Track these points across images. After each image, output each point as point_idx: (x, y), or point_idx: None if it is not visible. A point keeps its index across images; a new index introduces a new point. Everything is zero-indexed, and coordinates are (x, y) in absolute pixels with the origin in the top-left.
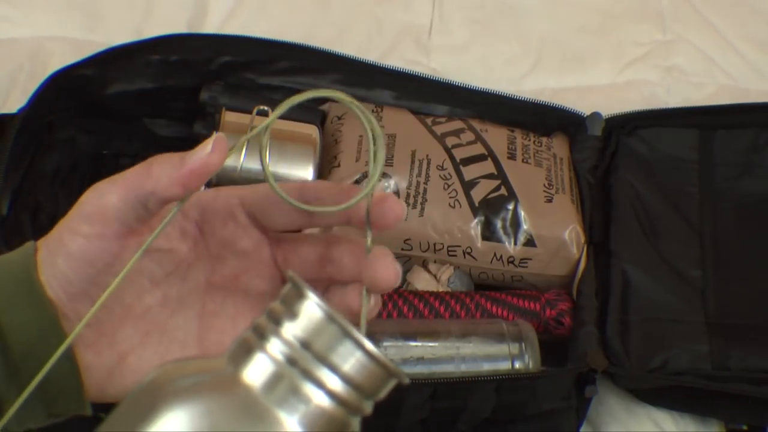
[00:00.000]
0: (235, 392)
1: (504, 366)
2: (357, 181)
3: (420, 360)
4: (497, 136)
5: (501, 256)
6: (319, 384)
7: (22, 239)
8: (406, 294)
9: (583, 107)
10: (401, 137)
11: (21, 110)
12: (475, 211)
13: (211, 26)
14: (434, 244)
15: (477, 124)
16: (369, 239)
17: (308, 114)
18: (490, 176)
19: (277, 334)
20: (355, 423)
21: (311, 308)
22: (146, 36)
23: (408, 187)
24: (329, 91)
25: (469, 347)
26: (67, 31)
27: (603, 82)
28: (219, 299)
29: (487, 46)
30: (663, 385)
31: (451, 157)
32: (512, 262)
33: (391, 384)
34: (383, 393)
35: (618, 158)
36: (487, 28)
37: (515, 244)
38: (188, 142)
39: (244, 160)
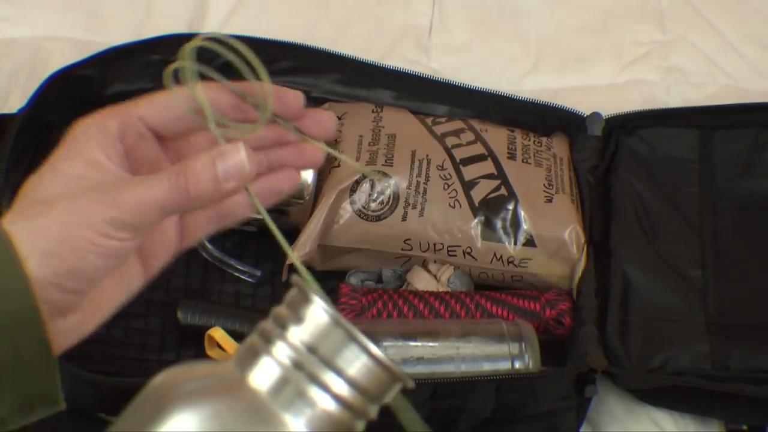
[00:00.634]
0: (242, 396)
1: (504, 366)
2: (357, 182)
3: (420, 360)
4: (497, 136)
5: (501, 256)
6: (325, 388)
7: None
8: (406, 294)
9: (583, 107)
10: (401, 137)
11: (21, 110)
12: (475, 211)
13: (211, 26)
14: (434, 244)
15: (477, 124)
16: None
17: None
18: (490, 176)
19: (283, 338)
20: (361, 426)
21: (317, 313)
22: (146, 36)
23: (408, 187)
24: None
25: (469, 347)
26: (67, 31)
27: (603, 82)
28: None
29: (487, 46)
30: (663, 385)
31: (451, 157)
32: (512, 262)
33: (396, 388)
34: (388, 397)
35: (618, 158)
36: (487, 28)
37: (515, 244)
38: None
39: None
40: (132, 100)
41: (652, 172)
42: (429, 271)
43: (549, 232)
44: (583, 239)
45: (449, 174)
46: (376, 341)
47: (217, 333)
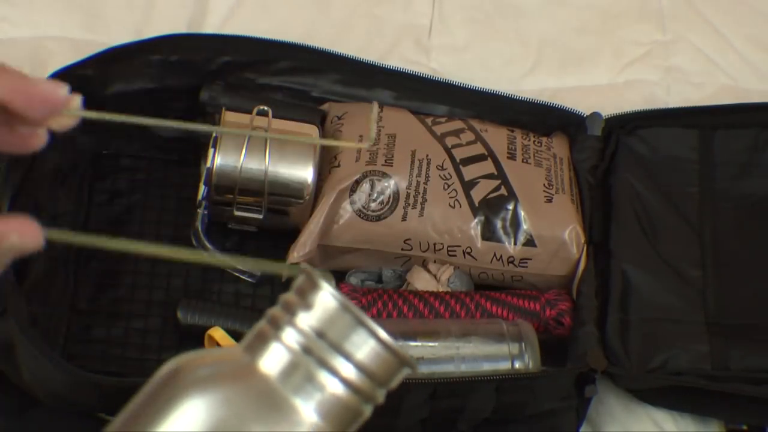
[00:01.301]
0: (253, 381)
1: (504, 366)
2: (357, 182)
3: (420, 360)
4: (497, 136)
5: (501, 256)
6: (334, 372)
7: None
8: (406, 294)
9: (583, 107)
10: (401, 137)
11: None
12: (475, 211)
13: (211, 26)
14: (434, 244)
15: (477, 124)
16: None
17: (308, 114)
18: (490, 176)
19: (292, 324)
20: (368, 411)
21: (325, 298)
22: (146, 36)
23: (408, 187)
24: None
25: (469, 347)
26: (67, 31)
27: (603, 82)
28: None
29: (487, 46)
30: (663, 385)
31: (451, 157)
32: (512, 262)
33: (404, 372)
34: (395, 381)
35: (618, 158)
36: (487, 28)
37: (515, 244)
38: (188, 142)
39: (244, 160)
40: None
41: (652, 172)
42: (429, 271)
43: (549, 232)
44: (583, 239)
45: (449, 174)
46: None
47: (217, 333)
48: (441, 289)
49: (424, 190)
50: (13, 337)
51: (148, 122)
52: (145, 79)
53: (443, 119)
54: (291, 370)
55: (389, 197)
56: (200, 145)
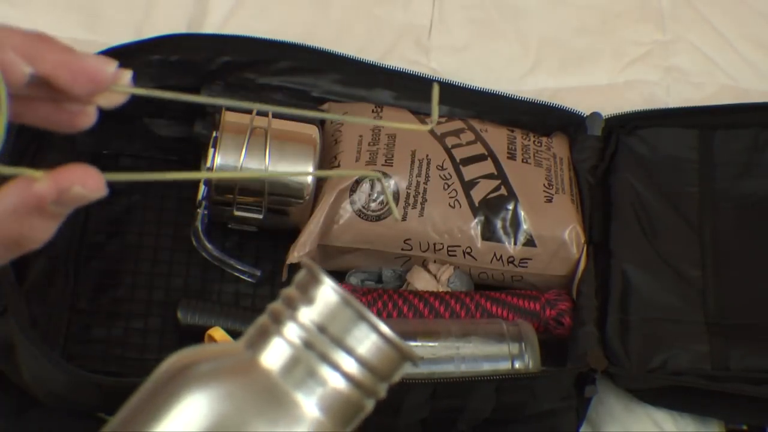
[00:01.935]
0: (254, 376)
1: (504, 366)
2: (357, 182)
3: (420, 360)
4: (497, 136)
5: (501, 256)
6: (336, 366)
7: None
8: (406, 294)
9: (583, 107)
10: (401, 137)
11: None
12: (475, 211)
13: (211, 26)
14: (434, 244)
15: (477, 124)
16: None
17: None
18: (490, 176)
19: (294, 318)
20: (370, 405)
21: (327, 293)
22: (146, 36)
23: (408, 187)
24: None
25: (469, 347)
26: (67, 31)
27: (603, 82)
28: None
29: (487, 46)
30: (663, 385)
31: (451, 157)
32: (512, 262)
33: (405, 366)
34: (397, 375)
35: (618, 158)
36: (487, 28)
37: (515, 244)
38: (188, 142)
39: (244, 160)
40: None
41: (652, 172)
42: (429, 271)
43: (549, 232)
44: (583, 239)
45: (449, 174)
46: None
47: (217, 333)
48: (441, 289)
49: (424, 190)
50: (13, 337)
51: (187, 98)
52: (145, 79)
53: (443, 119)
54: (292, 364)
55: (393, 194)
56: (200, 145)
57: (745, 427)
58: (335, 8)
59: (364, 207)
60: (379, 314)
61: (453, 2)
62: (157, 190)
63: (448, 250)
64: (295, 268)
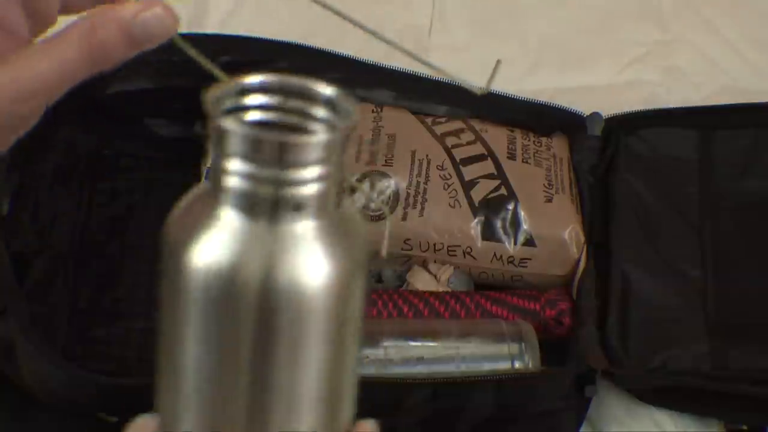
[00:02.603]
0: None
1: (504, 366)
2: (358, 180)
3: (420, 360)
4: (497, 136)
5: (501, 256)
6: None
7: (23, 239)
8: (406, 294)
9: (583, 107)
10: (401, 137)
11: None
12: (475, 211)
13: (211, 26)
14: (434, 244)
15: (477, 124)
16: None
17: None
18: (490, 176)
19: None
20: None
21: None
22: None
23: (408, 187)
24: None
25: (469, 347)
26: None
27: (603, 82)
28: None
29: (487, 46)
30: (663, 385)
31: (451, 157)
32: (512, 262)
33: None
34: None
35: (618, 158)
36: (487, 28)
37: (515, 244)
38: (188, 142)
39: None
40: None
41: (652, 172)
42: (429, 271)
43: (549, 232)
44: (583, 239)
45: (449, 174)
46: (377, 341)
47: None
48: (441, 289)
49: (424, 190)
50: (13, 337)
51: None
52: (145, 79)
53: (443, 119)
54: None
55: (389, 197)
56: (200, 145)
57: (745, 427)
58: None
59: (363, 207)
60: (379, 314)
61: (453, 2)
62: (158, 190)
63: (448, 250)
64: None
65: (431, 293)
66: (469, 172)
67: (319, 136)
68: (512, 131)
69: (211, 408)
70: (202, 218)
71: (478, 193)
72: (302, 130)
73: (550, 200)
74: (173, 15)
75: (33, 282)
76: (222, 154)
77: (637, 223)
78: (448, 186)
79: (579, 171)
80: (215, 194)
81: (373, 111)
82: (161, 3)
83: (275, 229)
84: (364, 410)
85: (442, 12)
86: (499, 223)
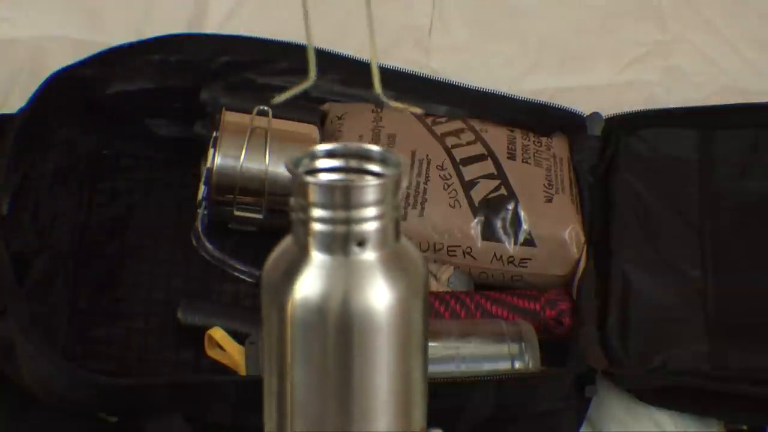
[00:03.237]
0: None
1: (504, 366)
2: None
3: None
4: (497, 136)
5: (501, 256)
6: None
7: (23, 239)
8: None
9: (583, 107)
10: (401, 137)
11: (21, 110)
12: (475, 211)
13: (211, 26)
14: (434, 244)
15: (477, 124)
16: None
17: (308, 114)
18: (490, 176)
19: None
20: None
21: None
22: (146, 36)
23: (408, 187)
24: None
25: (469, 347)
26: (67, 31)
27: (603, 82)
28: None
29: (487, 46)
30: (663, 385)
31: (451, 157)
32: (512, 262)
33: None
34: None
35: (618, 158)
36: (487, 28)
37: (515, 244)
38: (188, 142)
39: (244, 160)
40: None
41: (652, 172)
42: (429, 271)
43: (549, 232)
44: (583, 239)
45: (449, 174)
46: None
47: (217, 333)
48: (441, 289)
49: (424, 190)
50: (13, 337)
51: None
52: (145, 79)
53: (443, 119)
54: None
55: None
56: (200, 145)
57: (745, 427)
58: (335, 8)
59: None
60: None
61: (453, 2)
62: (158, 190)
63: (448, 250)
64: None
65: (431, 293)
66: (469, 172)
67: (374, 181)
68: (512, 131)
69: (307, 411)
70: (293, 262)
71: (478, 193)
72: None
73: (550, 200)
74: None
75: (33, 282)
76: (304, 205)
77: (637, 223)
78: (448, 186)
79: (579, 171)
80: (300, 241)
81: (373, 111)
82: None
83: (347, 262)
84: None
85: (442, 12)
86: (499, 223)
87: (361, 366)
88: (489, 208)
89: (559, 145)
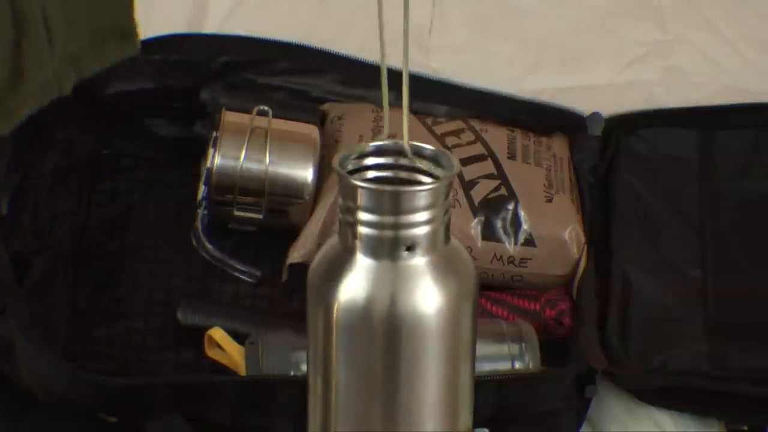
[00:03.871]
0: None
1: (504, 366)
2: None
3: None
4: (497, 136)
5: (501, 256)
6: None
7: (22, 239)
8: None
9: (583, 107)
10: (401, 137)
11: None
12: (475, 211)
13: (211, 26)
14: None
15: (477, 124)
16: None
17: (308, 114)
18: (490, 176)
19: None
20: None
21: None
22: (146, 36)
23: None
24: None
25: None
26: None
27: (603, 82)
28: None
29: (487, 46)
30: (663, 385)
31: None
32: (512, 262)
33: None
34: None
35: (618, 158)
36: (487, 28)
37: (515, 244)
38: (188, 142)
39: (244, 160)
40: None
41: (652, 172)
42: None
43: (549, 232)
44: (583, 239)
45: None
46: None
47: (217, 333)
48: None
49: None
50: (12, 337)
51: None
52: (145, 79)
53: (443, 119)
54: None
55: None
56: (200, 145)
57: (745, 427)
58: (335, 8)
59: None
60: None
61: (453, 2)
62: (158, 190)
63: None
64: (295, 268)
65: None
66: (469, 172)
67: (425, 186)
68: (512, 131)
69: (351, 413)
70: (339, 265)
71: (478, 193)
72: (412, 183)
73: (550, 200)
74: None
75: (33, 282)
76: (351, 208)
77: (637, 223)
78: None
79: (579, 171)
80: (346, 243)
81: (373, 111)
82: None
83: (395, 266)
84: None
85: (442, 12)
86: (499, 223)
87: (408, 370)
88: (489, 208)
89: (559, 145)
